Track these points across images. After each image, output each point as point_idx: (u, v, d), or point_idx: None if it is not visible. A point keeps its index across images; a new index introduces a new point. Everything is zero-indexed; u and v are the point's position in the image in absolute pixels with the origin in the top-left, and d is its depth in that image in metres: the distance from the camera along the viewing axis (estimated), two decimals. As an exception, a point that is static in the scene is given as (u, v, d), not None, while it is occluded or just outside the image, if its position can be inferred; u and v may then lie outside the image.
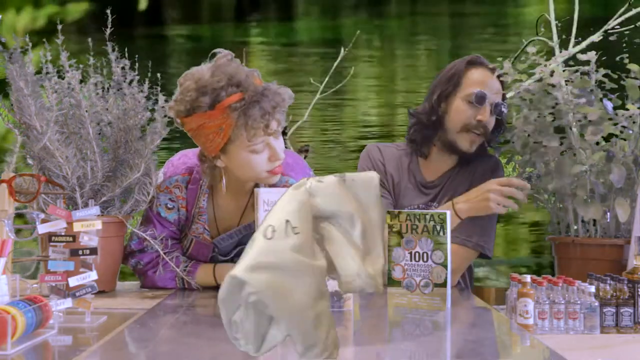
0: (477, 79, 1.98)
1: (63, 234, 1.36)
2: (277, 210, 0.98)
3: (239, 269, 0.92)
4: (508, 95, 2.66)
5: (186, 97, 1.60)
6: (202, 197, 1.81)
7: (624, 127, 2.50)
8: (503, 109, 2.00)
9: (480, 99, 1.94)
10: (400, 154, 2.07)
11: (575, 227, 2.53)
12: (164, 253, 1.74)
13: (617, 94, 2.62)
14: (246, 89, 1.59)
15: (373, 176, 1.07)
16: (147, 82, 1.78)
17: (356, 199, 1.04)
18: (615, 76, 2.59)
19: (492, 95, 1.97)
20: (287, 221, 0.95)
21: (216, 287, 1.79)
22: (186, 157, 1.85)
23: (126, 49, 1.78)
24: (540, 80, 2.65)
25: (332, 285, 1.45)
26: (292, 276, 0.92)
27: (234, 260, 1.84)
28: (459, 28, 3.49)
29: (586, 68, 2.59)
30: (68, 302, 1.28)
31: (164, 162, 1.90)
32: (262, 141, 1.64)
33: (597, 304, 1.84)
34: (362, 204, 1.05)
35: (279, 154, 1.67)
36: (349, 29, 3.29)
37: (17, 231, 1.39)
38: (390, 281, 1.55)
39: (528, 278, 1.86)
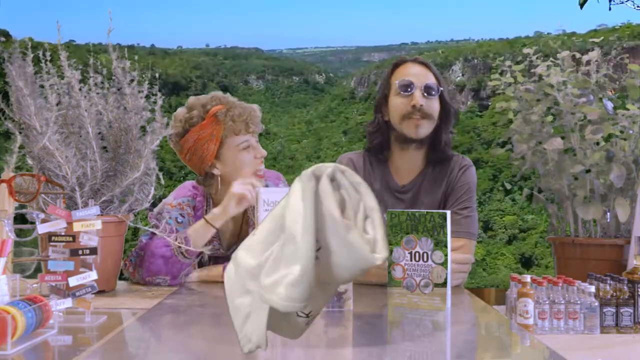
0: (402, 73, 2.09)
1: (63, 234, 1.35)
2: None
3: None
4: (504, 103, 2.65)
5: (179, 118, 1.99)
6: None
7: (624, 127, 2.50)
8: (434, 89, 2.04)
9: (405, 87, 2.04)
10: (370, 161, 2.16)
11: (575, 227, 2.53)
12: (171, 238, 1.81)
13: (617, 94, 2.62)
14: (226, 102, 2.01)
15: (302, 174, 1.00)
16: (147, 82, 1.78)
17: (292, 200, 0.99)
18: (616, 76, 2.59)
19: (419, 80, 2.05)
20: (262, 222, 1.04)
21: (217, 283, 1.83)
22: (185, 188, 2.11)
23: (126, 49, 1.78)
24: (539, 80, 2.66)
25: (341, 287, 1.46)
26: (232, 269, 1.04)
27: None
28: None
29: (586, 68, 2.59)
30: (68, 302, 1.28)
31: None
32: (246, 140, 1.99)
33: (597, 304, 1.84)
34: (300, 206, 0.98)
35: (261, 151, 2.02)
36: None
37: (17, 231, 1.39)
38: (391, 281, 1.55)
39: (528, 278, 1.86)
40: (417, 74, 2.06)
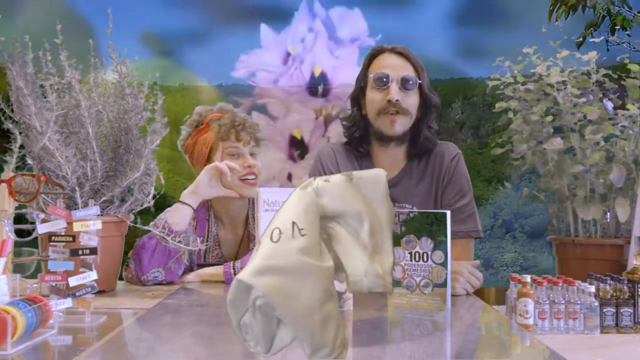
0: (378, 65, 1.98)
1: (63, 234, 1.35)
2: (284, 211, 0.98)
3: (245, 273, 0.91)
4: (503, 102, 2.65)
5: (187, 123, 2.11)
6: (213, 227, 2.11)
7: (623, 127, 2.50)
8: (412, 82, 1.94)
9: (380, 80, 1.94)
10: (354, 154, 2.06)
11: (575, 227, 2.53)
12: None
13: (617, 94, 2.62)
14: (226, 111, 2.08)
15: (380, 173, 1.09)
16: (147, 82, 1.79)
17: (363, 197, 1.05)
18: (616, 76, 2.59)
19: (396, 73, 1.94)
20: (294, 223, 0.95)
21: (217, 283, 1.83)
22: None
23: (126, 49, 1.78)
24: (539, 80, 2.66)
25: (337, 285, 1.45)
26: (298, 279, 0.91)
27: None
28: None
29: (586, 68, 2.59)
30: (68, 302, 1.28)
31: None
32: (235, 147, 2.02)
33: (597, 304, 1.84)
34: (369, 202, 1.05)
35: (249, 160, 2.02)
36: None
37: (17, 231, 1.39)
38: (390, 281, 1.55)
39: (528, 278, 1.87)
40: (394, 66, 1.95)
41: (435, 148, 2.03)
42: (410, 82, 1.93)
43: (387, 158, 2.02)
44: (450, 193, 1.97)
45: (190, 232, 1.91)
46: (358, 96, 2.02)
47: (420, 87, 1.96)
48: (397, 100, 1.91)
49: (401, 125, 1.94)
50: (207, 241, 2.06)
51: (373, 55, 2.02)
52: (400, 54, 1.97)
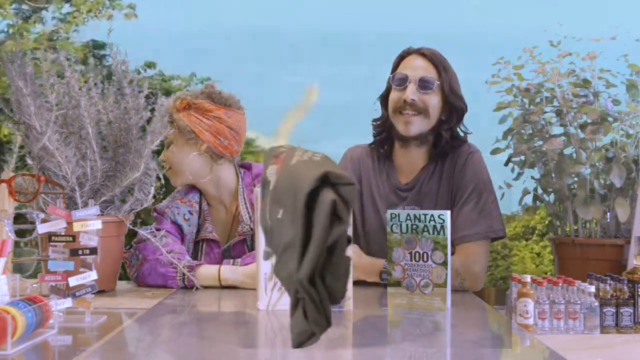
0: (403, 66, 1.99)
1: (63, 234, 1.35)
2: None
3: None
4: (504, 98, 2.64)
5: None
6: (204, 202, 2.06)
7: (624, 127, 2.50)
8: (431, 83, 1.93)
9: (398, 80, 1.95)
10: (377, 157, 2.07)
11: (575, 227, 2.53)
12: (168, 250, 1.78)
13: (617, 94, 2.62)
14: None
15: None
16: (147, 81, 1.78)
17: None
18: (616, 76, 2.59)
19: (416, 73, 1.94)
20: None
21: (217, 287, 1.81)
22: (193, 186, 2.09)
23: (126, 49, 1.78)
24: (539, 80, 2.65)
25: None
26: None
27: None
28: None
29: (586, 67, 2.59)
30: (68, 302, 1.28)
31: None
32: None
33: (597, 304, 1.84)
34: None
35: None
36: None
37: (17, 231, 1.39)
38: (391, 281, 1.55)
39: (528, 278, 1.86)
40: (415, 67, 1.96)
41: (452, 150, 1.99)
42: (428, 83, 1.93)
43: (405, 160, 2.02)
44: (463, 194, 1.92)
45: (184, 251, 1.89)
46: (386, 97, 2.03)
47: (442, 89, 1.95)
48: (412, 100, 1.91)
49: (417, 126, 1.94)
50: (199, 218, 2.02)
51: (401, 57, 2.02)
52: (424, 55, 1.97)
